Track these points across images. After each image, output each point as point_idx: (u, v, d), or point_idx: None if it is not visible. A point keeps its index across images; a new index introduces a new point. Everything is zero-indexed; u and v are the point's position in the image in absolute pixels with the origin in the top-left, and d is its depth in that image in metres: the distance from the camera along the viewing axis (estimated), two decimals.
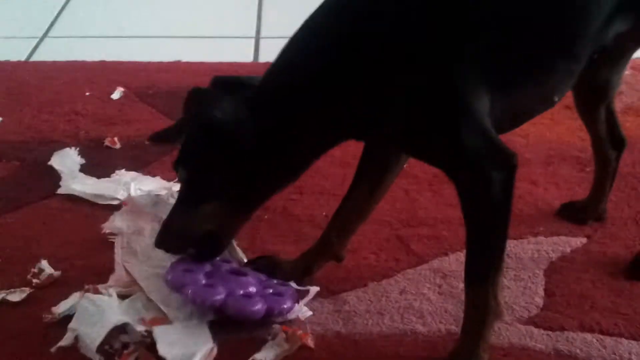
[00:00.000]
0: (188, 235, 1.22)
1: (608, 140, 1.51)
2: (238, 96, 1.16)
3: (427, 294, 1.33)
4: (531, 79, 1.19)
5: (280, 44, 2.45)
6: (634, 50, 1.36)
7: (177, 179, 1.63)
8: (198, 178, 1.20)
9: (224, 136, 1.14)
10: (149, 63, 2.22)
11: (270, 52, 2.30)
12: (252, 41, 2.43)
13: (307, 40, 1.17)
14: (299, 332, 1.21)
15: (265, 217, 1.54)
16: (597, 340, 1.22)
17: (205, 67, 2.19)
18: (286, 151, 1.17)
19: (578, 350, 1.20)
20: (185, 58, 2.26)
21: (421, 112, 1.10)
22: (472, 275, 1.15)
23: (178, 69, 2.19)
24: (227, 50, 2.36)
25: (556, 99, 1.25)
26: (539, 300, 1.32)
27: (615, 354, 1.20)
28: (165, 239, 1.23)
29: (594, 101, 1.46)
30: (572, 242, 1.48)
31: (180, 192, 1.25)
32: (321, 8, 1.17)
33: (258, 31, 2.49)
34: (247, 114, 1.13)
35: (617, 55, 1.35)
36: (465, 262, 1.16)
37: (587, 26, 1.18)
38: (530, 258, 1.42)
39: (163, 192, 1.55)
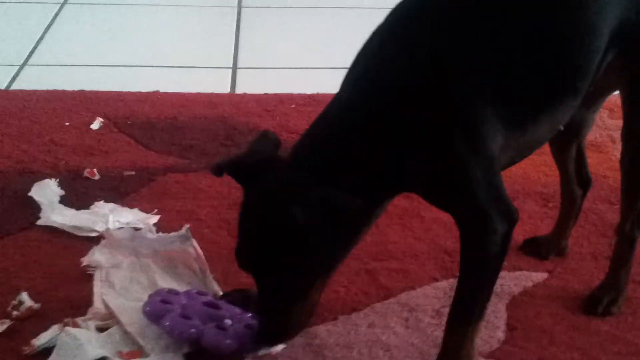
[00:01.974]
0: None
1: (575, 179, 1.58)
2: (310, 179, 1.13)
3: (394, 328, 1.39)
4: (543, 114, 1.25)
5: (257, 74, 2.54)
6: (613, 89, 1.41)
7: (154, 211, 1.69)
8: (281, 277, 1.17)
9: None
10: (127, 93, 2.26)
11: (246, 83, 2.38)
12: (229, 72, 2.48)
13: (336, 119, 1.19)
14: None
15: None
16: None
17: (183, 98, 2.25)
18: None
19: None
20: (163, 88, 2.31)
21: (439, 162, 1.15)
22: (457, 316, 1.22)
23: (156, 99, 2.24)
24: (205, 80, 2.41)
25: (561, 127, 1.33)
26: (501, 335, 1.38)
27: None
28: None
29: (568, 139, 1.53)
30: (534, 276, 1.54)
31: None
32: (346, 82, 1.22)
33: (235, 62, 2.55)
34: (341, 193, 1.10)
35: (597, 94, 1.40)
36: (452, 303, 1.22)
37: (592, 60, 1.24)
38: (493, 292, 1.48)
39: (141, 225, 1.60)
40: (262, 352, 1.29)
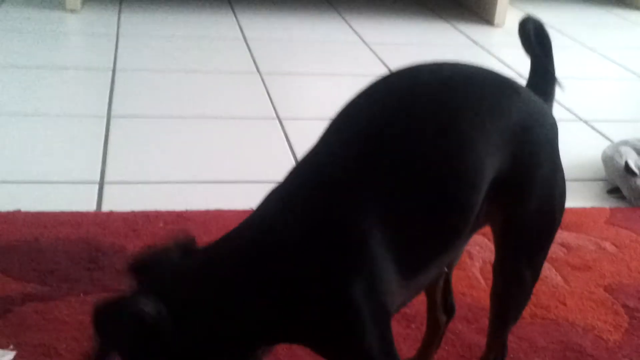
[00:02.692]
0: None
1: (441, 306, 1.64)
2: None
3: None
4: (435, 259, 1.30)
5: (124, 190, 2.51)
6: (483, 226, 1.46)
7: (10, 347, 1.62)
8: None
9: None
10: None
11: (113, 199, 2.35)
12: (96, 187, 2.44)
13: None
14: None
15: None
16: None
17: (46, 217, 2.19)
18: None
19: None
20: (25, 206, 2.24)
21: (333, 315, 1.15)
22: None
23: (17, 219, 2.17)
24: (70, 196, 2.36)
25: (446, 269, 1.42)
26: None
27: None
28: None
29: None
30: None
31: None
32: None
33: (102, 176, 2.51)
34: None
35: (470, 231, 1.45)
36: None
37: (475, 209, 1.30)
38: None
39: None
40: None
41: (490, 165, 1.30)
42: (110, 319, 1.11)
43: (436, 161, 1.25)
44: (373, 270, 1.17)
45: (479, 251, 2.16)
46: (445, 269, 1.47)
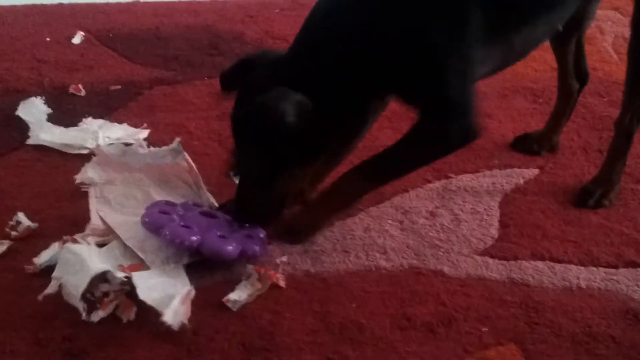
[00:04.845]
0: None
1: (574, 72, 1.58)
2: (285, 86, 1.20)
3: (389, 231, 1.41)
4: (541, 17, 1.26)
5: None
6: None
7: (143, 126, 1.68)
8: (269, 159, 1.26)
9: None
10: (107, 4, 2.21)
11: None
12: None
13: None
14: (271, 272, 1.28)
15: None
16: (548, 268, 1.31)
17: (164, 7, 2.20)
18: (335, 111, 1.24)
19: (530, 278, 1.29)
20: None
21: (419, 56, 1.18)
22: (362, 168, 1.29)
23: (137, 9, 2.19)
24: None
25: (560, 28, 1.35)
26: (494, 232, 1.40)
27: (564, 279, 1.29)
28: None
29: (569, 31, 1.51)
30: (525, 173, 1.56)
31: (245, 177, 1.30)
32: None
33: None
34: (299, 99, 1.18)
35: None
36: (368, 159, 1.29)
37: None
38: (485, 191, 1.50)
39: (130, 140, 1.60)
40: (261, 258, 1.31)
41: None
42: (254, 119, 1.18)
43: None
44: (461, 20, 1.16)
45: (610, 26, 2.04)
46: (560, 28, 1.38)
